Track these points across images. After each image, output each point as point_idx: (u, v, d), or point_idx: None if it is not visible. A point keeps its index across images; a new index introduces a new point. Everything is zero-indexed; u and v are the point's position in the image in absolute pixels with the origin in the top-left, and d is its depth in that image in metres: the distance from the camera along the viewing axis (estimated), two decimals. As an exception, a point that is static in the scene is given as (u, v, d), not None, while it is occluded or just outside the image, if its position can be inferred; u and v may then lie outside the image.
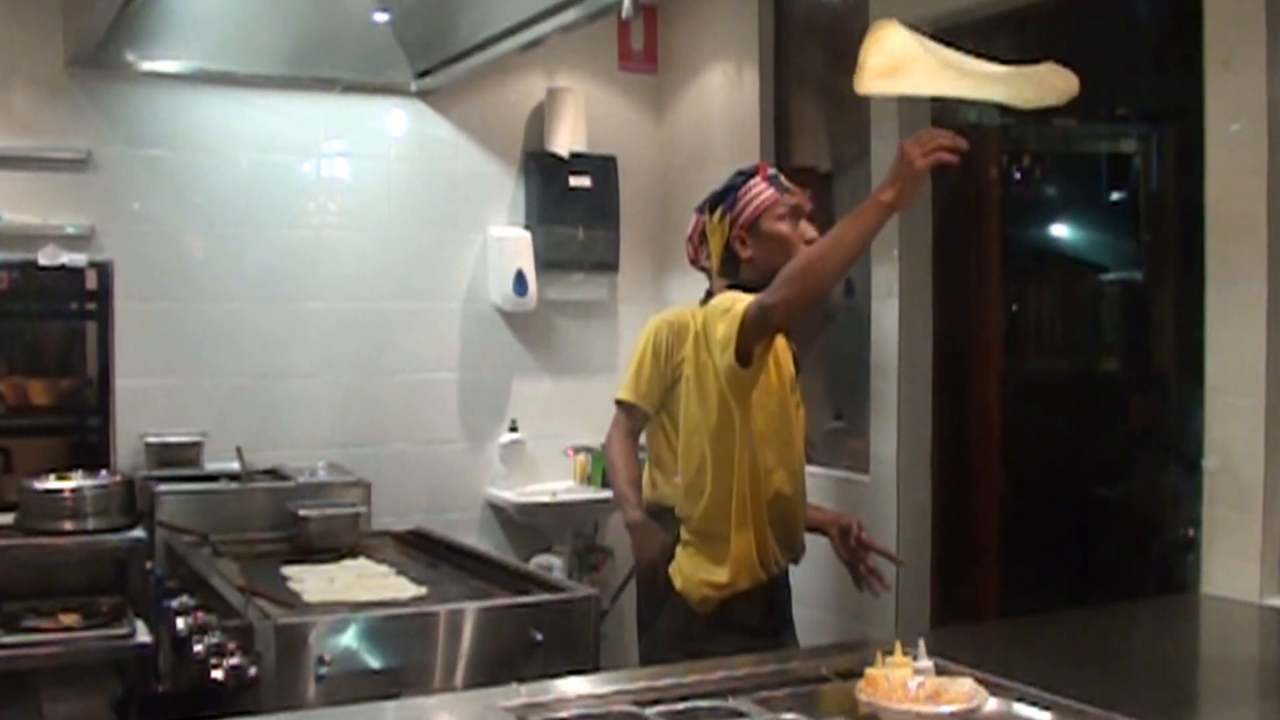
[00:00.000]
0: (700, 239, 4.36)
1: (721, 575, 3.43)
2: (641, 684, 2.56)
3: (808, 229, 3.56)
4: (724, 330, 3.29)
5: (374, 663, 3.37)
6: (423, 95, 5.80)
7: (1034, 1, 4.33)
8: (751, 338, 3.27)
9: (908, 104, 4.64)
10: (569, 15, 4.51)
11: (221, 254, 5.47)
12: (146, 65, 5.30)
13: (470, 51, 5.20)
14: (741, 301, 3.30)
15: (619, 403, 4.29)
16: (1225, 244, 3.50)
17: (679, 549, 3.55)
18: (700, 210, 4.42)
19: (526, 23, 4.70)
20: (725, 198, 3.61)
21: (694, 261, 4.43)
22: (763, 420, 3.46)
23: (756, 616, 3.51)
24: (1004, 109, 3.35)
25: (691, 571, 3.48)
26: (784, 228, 3.58)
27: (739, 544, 3.43)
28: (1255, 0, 3.40)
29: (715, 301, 3.45)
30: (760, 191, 3.59)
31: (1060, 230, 5.86)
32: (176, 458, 5.21)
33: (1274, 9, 3.39)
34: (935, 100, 4.66)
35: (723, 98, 5.71)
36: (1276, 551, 3.39)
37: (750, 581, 3.45)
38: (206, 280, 5.45)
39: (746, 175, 3.64)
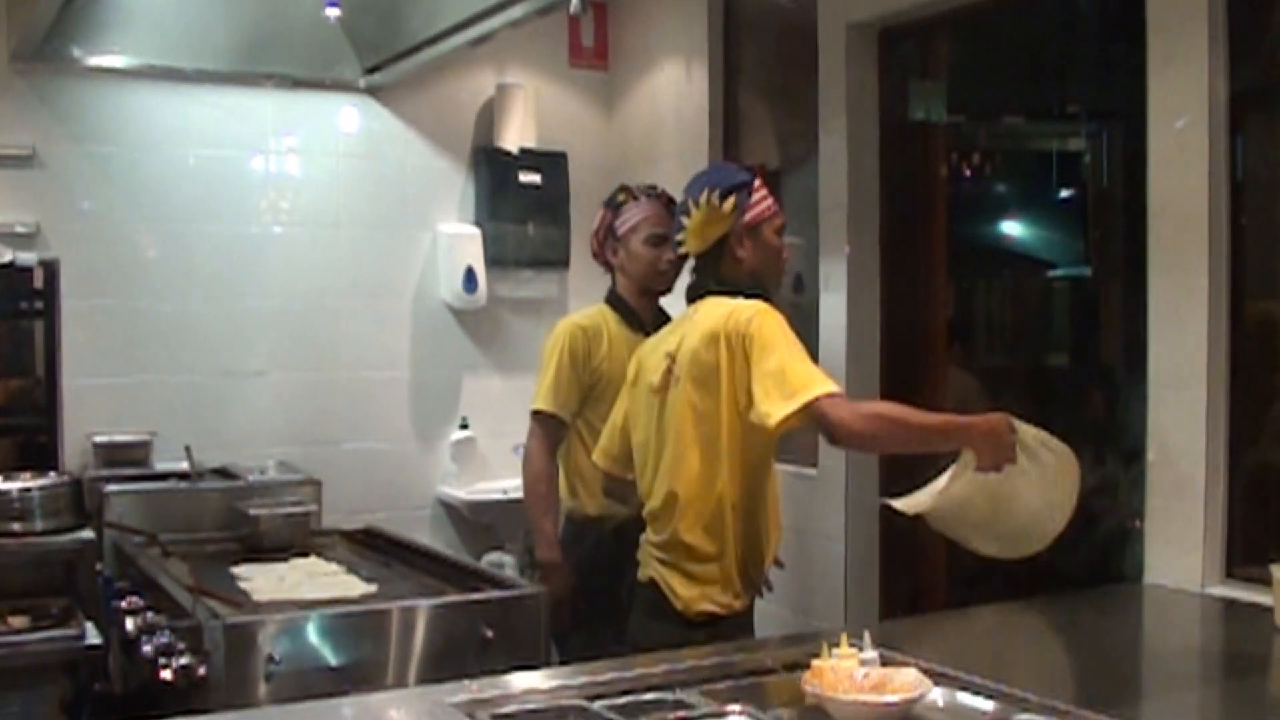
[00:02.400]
0: (606, 233, 4.30)
1: (725, 597, 3.36)
2: (590, 678, 2.57)
3: (787, 249, 3.56)
4: (778, 401, 3.14)
5: (324, 661, 3.35)
6: (372, 91, 5.79)
7: (981, 1, 4.36)
8: (802, 427, 3.20)
9: (855, 102, 4.67)
10: (518, 11, 4.51)
11: (170, 251, 5.45)
12: (93, 60, 5.27)
13: (419, 47, 5.19)
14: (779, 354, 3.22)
15: (539, 414, 4.19)
16: (1167, 240, 3.55)
17: (658, 565, 3.44)
18: (613, 199, 4.33)
19: (475, 18, 4.69)
20: (740, 190, 3.47)
21: (598, 256, 4.38)
22: (764, 448, 3.41)
23: (749, 624, 3.49)
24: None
25: (690, 593, 3.36)
26: (779, 242, 3.54)
27: (741, 564, 3.37)
28: (1197, 0, 3.45)
29: (742, 314, 3.30)
30: (766, 196, 3.51)
31: (1009, 226, 5.90)
32: (125, 457, 5.19)
33: (1215, 8, 3.43)
34: (881, 92, 4.72)
35: (673, 94, 5.73)
36: (1217, 541, 3.43)
37: (750, 598, 3.44)
38: (154, 278, 5.42)
39: (751, 175, 3.55)
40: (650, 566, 3.48)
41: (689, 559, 3.38)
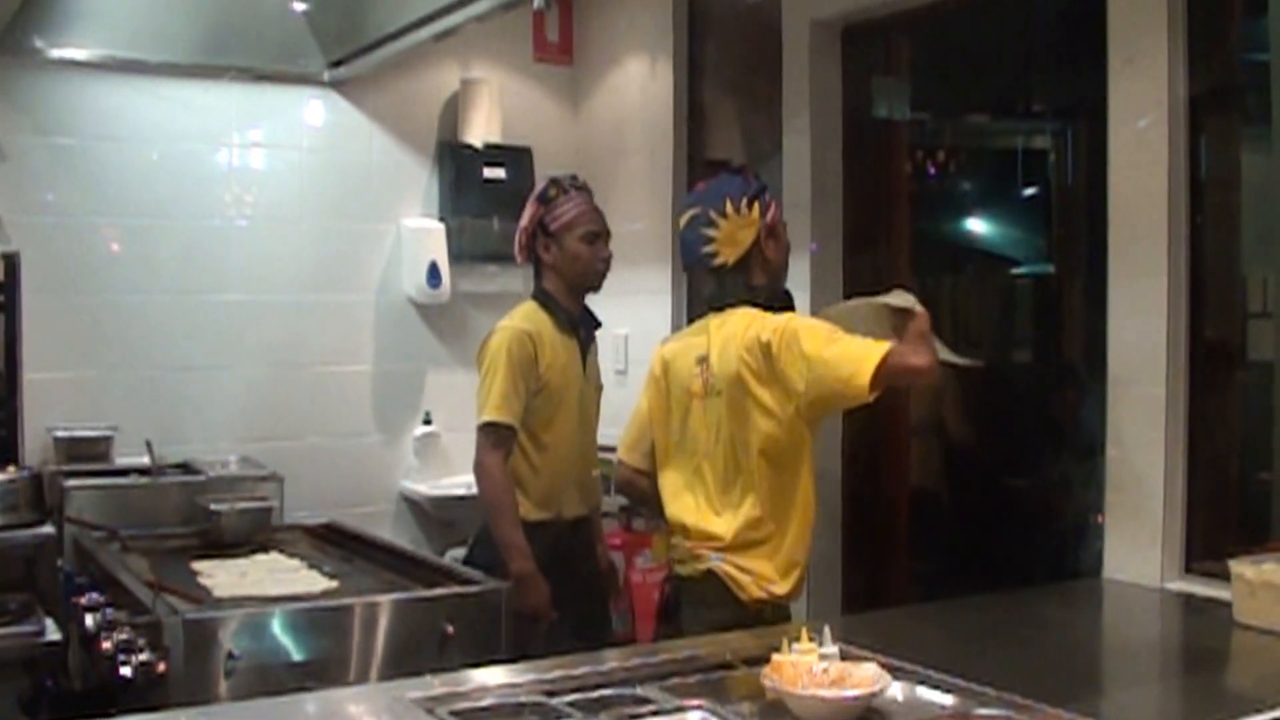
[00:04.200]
0: (536, 229, 4.28)
1: (789, 578, 3.46)
2: (550, 673, 2.58)
3: None
4: (849, 368, 3.24)
5: (285, 657, 3.36)
6: (336, 85, 5.77)
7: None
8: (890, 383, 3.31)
9: (819, 99, 4.69)
10: (482, 5, 4.49)
11: (132, 245, 5.41)
12: (55, 52, 5.22)
13: (384, 41, 5.17)
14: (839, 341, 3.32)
15: (493, 425, 4.04)
16: (1127, 238, 3.58)
17: (719, 564, 3.48)
18: (545, 193, 4.30)
19: (440, 12, 4.67)
20: (763, 195, 3.59)
21: (525, 250, 4.32)
22: (802, 443, 3.50)
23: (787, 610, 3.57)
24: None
25: (752, 582, 3.43)
26: (788, 239, 3.69)
27: (804, 547, 3.48)
28: (1157, 1, 3.47)
29: (783, 321, 3.41)
30: (773, 198, 3.65)
31: (974, 224, 5.93)
32: (86, 452, 5.14)
33: (1175, 10, 3.46)
34: (845, 89, 4.74)
35: (638, 90, 5.73)
36: (1175, 536, 3.47)
37: (800, 582, 3.52)
38: (117, 272, 5.38)
39: (760, 180, 3.66)
40: (702, 561, 3.51)
41: (747, 546, 3.45)
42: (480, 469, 4.07)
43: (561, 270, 4.19)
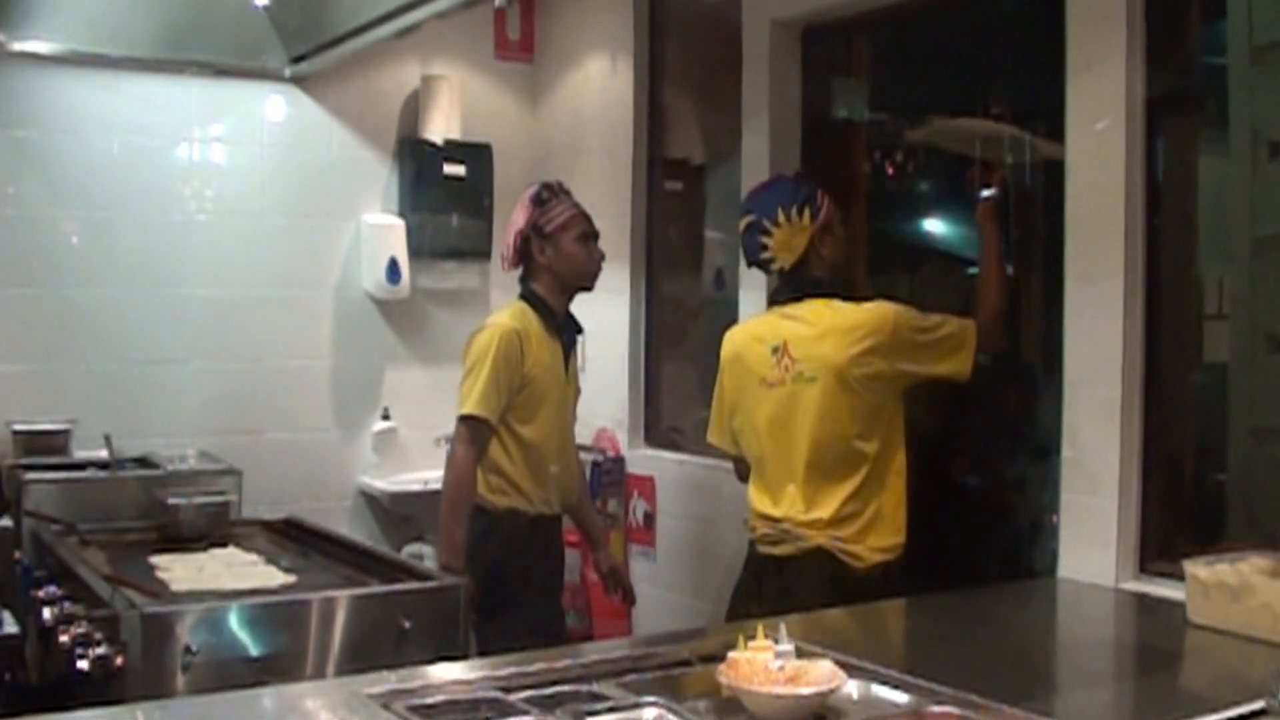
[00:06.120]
0: (526, 236, 4.33)
1: (894, 538, 3.72)
2: (506, 670, 2.58)
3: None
4: (953, 354, 3.78)
5: (243, 652, 3.35)
6: (297, 81, 5.75)
7: (904, 0, 4.40)
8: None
9: (778, 99, 4.71)
10: (443, 2, 4.50)
11: (92, 239, 5.39)
12: (17, 46, 5.20)
13: (345, 37, 5.16)
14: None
15: (471, 418, 4.15)
16: (1084, 241, 3.61)
17: (816, 535, 3.67)
18: (539, 195, 4.36)
19: (402, 9, 4.67)
20: (813, 199, 3.83)
21: (517, 252, 4.38)
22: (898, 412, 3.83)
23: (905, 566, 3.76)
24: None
25: (863, 546, 3.67)
26: (843, 233, 3.97)
27: (904, 508, 3.75)
28: (1116, 5, 3.50)
29: (872, 314, 3.74)
30: (825, 196, 3.90)
31: (931, 224, 5.94)
32: (44, 445, 5.12)
33: (1133, 14, 3.49)
34: (804, 90, 4.76)
35: (598, 88, 5.73)
36: (1130, 537, 3.49)
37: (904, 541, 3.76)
38: (76, 265, 5.36)
39: (813, 183, 3.93)
40: (806, 540, 3.70)
41: (849, 519, 3.69)
42: (451, 458, 4.19)
43: (557, 271, 4.28)
